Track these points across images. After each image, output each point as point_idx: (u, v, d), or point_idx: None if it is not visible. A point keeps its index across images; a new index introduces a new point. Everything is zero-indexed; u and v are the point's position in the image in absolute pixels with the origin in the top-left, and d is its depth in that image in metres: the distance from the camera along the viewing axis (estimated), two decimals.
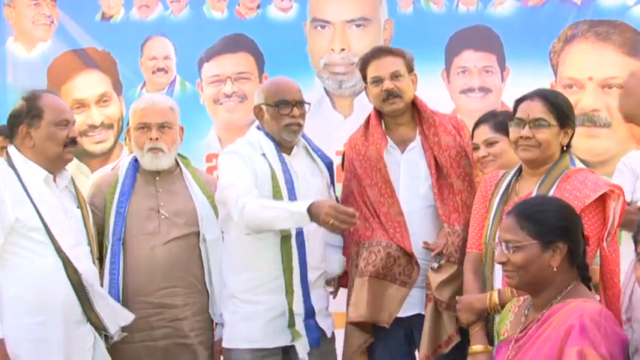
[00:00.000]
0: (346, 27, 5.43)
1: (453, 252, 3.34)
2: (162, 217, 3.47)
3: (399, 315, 3.42)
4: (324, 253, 3.51)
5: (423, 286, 3.42)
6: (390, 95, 3.46)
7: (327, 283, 3.61)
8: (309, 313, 3.36)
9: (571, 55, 5.24)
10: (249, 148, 3.41)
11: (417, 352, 3.46)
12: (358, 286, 3.40)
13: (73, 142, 3.31)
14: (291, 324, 3.32)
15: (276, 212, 3.19)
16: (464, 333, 3.33)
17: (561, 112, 2.99)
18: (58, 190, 3.29)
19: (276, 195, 3.32)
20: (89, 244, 3.31)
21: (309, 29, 5.47)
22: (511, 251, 2.55)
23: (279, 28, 5.49)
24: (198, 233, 3.48)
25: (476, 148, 3.46)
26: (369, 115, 3.61)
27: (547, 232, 2.52)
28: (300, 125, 3.45)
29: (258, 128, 3.49)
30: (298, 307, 3.33)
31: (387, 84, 3.45)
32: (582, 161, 4.84)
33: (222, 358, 3.56)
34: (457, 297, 3.11)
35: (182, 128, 3.62)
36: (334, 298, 3.67)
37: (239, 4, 5.54)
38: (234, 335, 3.39)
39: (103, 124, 5.60)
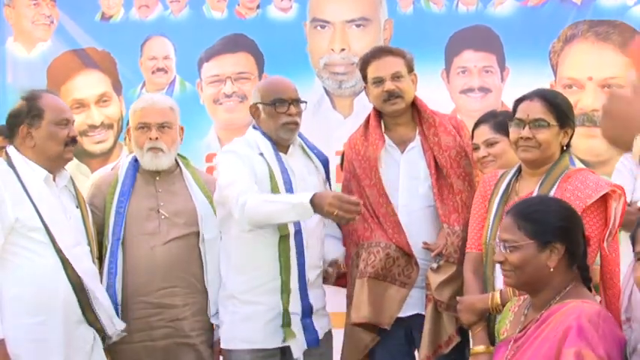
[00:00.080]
0: (346, 27, 5.43)
1: (452, 252, 3.34)
2: (162, 217, 3.47)
3: (399, 315, 3.41)
4: (322, 252, 3.51)
5: (423, 286, 3.41)
6: (391, 96, 3.46)
7: (324, 281, 3.60)
8: (307, 312, 3.36)
9: (571, 55, 5.25)
10: (246, 147, 3.41)
11: (416, 352, 3.46)
12: (358, 288, 3.40)
13: (73, 141, 3.31)
14: (285, 323, 3.31)
15: (279, 205, 3.18)
16: (464, 333, 3.34)
17: (561, 112, 2.98)
18: (57, 190, 3.29)
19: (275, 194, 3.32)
20: (89, 244, 3.31)
21: (309, 29, 5.47)
22: (508, 251, 2.55)
23: (279, 28, 5.49)
24: (198, 233, 3.48)
25: (476, 148, 3.46)
26: (369, 115, 3.61)
27: (544, 232, 2.52)
28: (297, 124, 3.44)
29: (255, 128, 3.48)
30: (296, 307, 3.32)
31: (389, 85, 3.45)
32: (582, 161, 4.84)
33: (221, 358, 3.55)
34: (458, 297, 3.10)
35: (182, 128, 3.62)
36: (332, 283, 3.64)
37: (239, 4, 5.54)
38: (234, 336, 3.38)
39: (102, 124, 5.61)
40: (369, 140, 3.52)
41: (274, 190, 3.32)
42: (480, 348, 2.93)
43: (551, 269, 2.51)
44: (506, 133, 3.14)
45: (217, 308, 3.48)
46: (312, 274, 3.41)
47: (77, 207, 3.34)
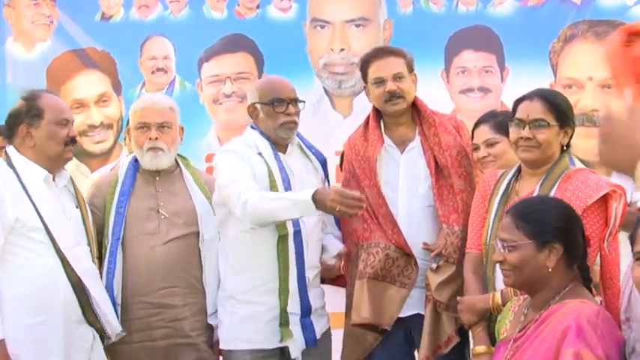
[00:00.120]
0: (346, 27, 5.44)
1: (451, 252, 3.34)
2: (162, 217, 3.46)
3: (399, 315, 3.41)
4: (320, 252, 3.50)
5: (423, 286, 3.41)
6: (393, 96, 3.46)
7: (322, 281, 3.60)
8: (306, 312, 3.36)
9: (570, 55, 5.25)
10: (245, 147, 3.41)
11: (416, 353, 3.46)
12: (358, 288, 3.40)
13: (72, 141, 3.31)
14: (283, 323, 3.31)
15: (280, 202, 3.18)
16: (463, 333, 3.34)
17: (561, 112, 2.99)
18: (57, 190, 3.29)
19: None
20: (89, 244, 3.31)
21: (308, 29, 5.47)
22: (507, 250, 2.55)
23: (278, 28, 5.49)
24: (197, 233, 3.48)
25: (476, 148, 3.46)
26: (368, 116, 3.60)
27: (543, 232, 2.52)
28: (295, 123, 3.44)
29: (253, 127, 3.48)
30: (295, 307, 3.32)
31: (390, 85, 3.45)
32: (582, 161, 4.84)
33: (220, 358, 3.56)
34: (458, 298, 3.10)
35: (182, 128, 3.62)
36: (335, 275, 3.63)
37: (238, 4, 5.54)
38: (234, 336, 3.38)
39: (102, 124, 5.60)
40: (369, 140, 3.52)
41: (273, 189, 3.32)
42: (481, 348, 2.93)
43: (550, 269, 2.51)
44: (507, 134, 3.13)
45: (215, 308, 3.47)
46: (311, 273, 3.41)
47: (77, 207, 3.35)
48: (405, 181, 3.49)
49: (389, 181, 3.48)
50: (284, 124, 3.40)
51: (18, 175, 3.19)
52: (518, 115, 3.01)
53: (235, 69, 5.51)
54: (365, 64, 3.53)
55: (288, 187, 3.34)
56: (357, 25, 5.44)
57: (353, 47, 5.38)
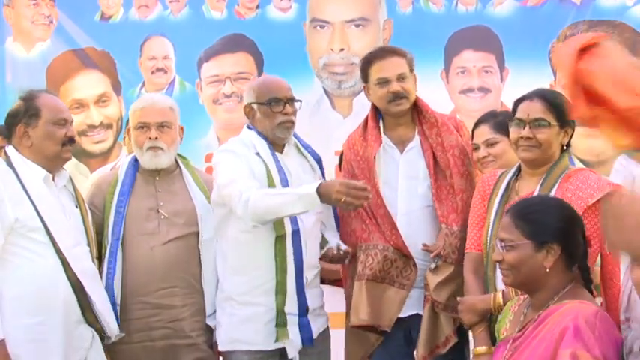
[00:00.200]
0: (345, 27, 5.44)
1: (450, 253, 3.33)
2: (162, 217, 3.46)
3: (398, 315, 3.41)
4: (318, 252, 3.49)
5: (422, 286, 3.41)
6: (397, 97, 3.45)
7: (322, 281, 3.60)
8: (303, 312, 3.35)
9: None
10: (243, 147, 3.40)
11: (415, 353, 3.46)
12: (357, 290, 3.39)
13: (71, 141, 3.31)
14: (279, 323, 3.30)
15: (284, 198, 3.18)
16: (462, 333, 3.34)
17: (561, 111, 2.98)
18: (56, 190, 3.29)
19: None
20: (88, 243, 3.31)
21: (308, 29, 5.47)
22: (505, 250, 2.55)
23: (278, 28, 5.49)
24: (197, 233, 3.47)
25: (476, 148, 3.46)
26: (368, 115, 3.60)
27: (541, 232, 2.52)
28: (292, 122, 3.43)
29: (249, 128, 3.47)
30: (292, 307, 3.31)
31: (395, 86, 3.44)
32: (582, 161, 4.85)
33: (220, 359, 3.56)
34: (459, 298, 3.10)
35: (182, 128, 3.62)
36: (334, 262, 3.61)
37: (238, 4, 5.54)
38: (233, 337, 3.37)
39: (102, 124, 5.61)
40: (368, 141, 3.51)
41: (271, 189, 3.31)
42: (482, 349, 2.92)
43: (547, 269, 2.51)
44: (507, 134, 3.13)
45: (214, 309, 3.47)
46: (310, 273, 3.40)
47: (77, 207, 3.34)
48: (405, 181, 3.48)
49: (388, 181, 3.48)
50: (281, 124, 3.40)
51: (18, 175, 3.19)
52: (518, 115, 3.01)
53: (235, 69, 5.51)
54: (367, 64, 3.52)
55: (286, 187, 3.33)
56: (357, 25, 5.44)
57: (353, 47, 5.39)
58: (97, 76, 5.59)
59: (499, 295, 2.93)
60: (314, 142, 3.67)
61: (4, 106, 3.63)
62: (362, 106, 4.47)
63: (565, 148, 3.05)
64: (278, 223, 3.28)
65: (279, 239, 3.29)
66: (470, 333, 3.20)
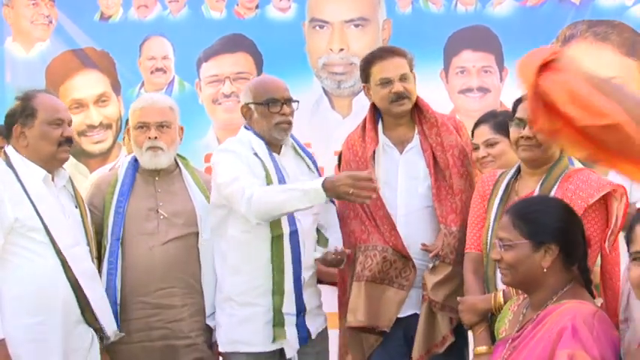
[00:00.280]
0: (345, 27, 5.44)
1: (448, 253, 3.33)
2: (161, 217, 3.46)
3: (398, 316, 3.41)
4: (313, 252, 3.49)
5: (421, 286, 3.41)
6: (400, 97, 3.45)
7: (320, 282, 3.60)
8: (301, 312, 3.35)
9: None
10: (241, 147, 3.40)
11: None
12: (355, 291, 3.39)
13: (67, 141, 3.30)
14: (277, 324, 3.30)
15: (288, 194, 3.17)
16: (458, 333, 3.34)
17: None
18: (56, 190, 3.29)
19: None
20: (88, 243, 3.31)
21: (307, 29, 5.47)
22: (504, 249, 2.55)
23: (277, 28, 5.49)
24: (196, 234, 3.47)
25: (476, 148, 3.46)
26: (366, 116, 3.60)
27: (539, 232, 2.52)
28: (290, 123, 3.43)
29: (247, 128, 3.47)
30: (290, 307, 3.31)
31: (398, 86, 3.43)
32: (582, 161, 4.84)
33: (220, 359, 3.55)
34: (459, 298, 3.09)
35: (182, 128, 3.62)
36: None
37: (238, 4, 5.54)
38: (233, 339, 3.36)
39: (101, 124, 5.61)
40: (367, 141, 3.51)
41: None
42: (483, 349, 2.92)
43: (545, 269, 2.51)
44: (507, 134, 3.13)
45: (213, 309, 3.46)
46: (307, 274, 3.39)
47: (76, 207, 3.34)
48: (405, 181, 3.48)
49: (388, 181, 3.48)
50: (279, 125, 3.39)
51: (17, 175, 3.19)
52: (518, 114, 3.01)
53: (234, 69, 5.51)
54: (368, 65, 3.51)
55: None
56: (356, 25, 5.44)
57: (352, 47, 5.39)
58: (97, 76, 5.59)
59: (500, 295, 2.93)
60: (313, 142, 3.68)
61: (3, 106, 3.63)
62: (361, 106, 4.47)
63: None
64: (276, 224, 3.28)
65: (277, 240, 3.29)
66: (470, 334, 3.20)
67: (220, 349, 3.44)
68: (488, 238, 3.02)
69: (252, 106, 3.44)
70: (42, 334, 3.12)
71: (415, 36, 5.22)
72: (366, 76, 3.52)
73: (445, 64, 5.37)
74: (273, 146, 3.43)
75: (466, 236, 3.20)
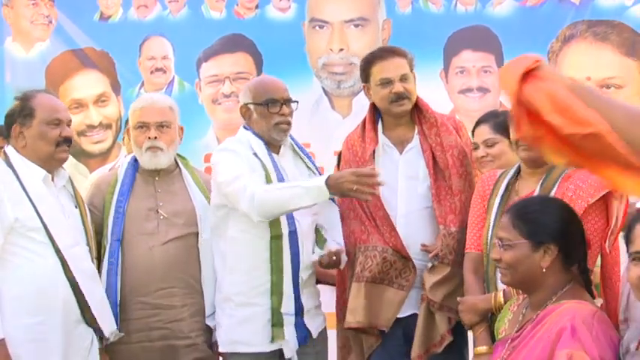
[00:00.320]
0: (345, 27, 5.44)
1: (447, 254, 3.33)
2: (161, 217, 3.46)
3: (397, 316, 3.41)
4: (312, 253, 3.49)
5: (420, 286, 3.41)
6: (400, 98, 3.44)
7: (318, 282, 3.60)
8: (299, 312, 3.35)
9: (569, 55, 5.25)
10: (241, 146, 3.40)
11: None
12: (355, 292, 3.39)
13: (66, 141, 3.29)
14: (276, 324, 3.29)
15: (291, 191, 3.17)
16: (457, 333, 3.34)
17: None
18: (56, 190, 3.29)
19: None
20: (88, 244, 3.31)
21: (307, 29, 5.47)
22: (503, 249, 2.55)
23: (277, 28, 5.50)
24: (196, 234, 3.47)
25: (475, 147, 3.46)
26: (366, 116, 3.60)
27: (538, 232, 2.52)
28: (289, 124, 3.43)
29: (246, 128, 3.46)
30: (289, 307, 3.31)
31: (398, 87, 3.43)
32: None
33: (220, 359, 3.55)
34: (459, 298, 3.10)
35: (182, 128, 3.62)
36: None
37: (237, 4, 5.54)
38: (233, 339, 3.36)
39: (101, 124, 5.61)
40: (367, 141, 3.51)
41: None
42: (483, 349, 2.92)
43: (544, 270, 2.51)
44: (507, 134, 3.14)
45: (213, 309, 3.46)
46: (305, 274, 3.39)
47: (76, 207, 3.34)
48: (405, 181, 3.48)
49: (388, 181, 3.45)
50: (278, 125, 3.39)
51: (17, 175, 3.19)
52: None
53: (234, 69, 5.51)
54: (368, 65, 3.51)
55: None
56: (356, 25, 5.44)
57: (352, 47, 5.39)
58: (96, 76, 5.59)
59: (500, 295, 2.93)
60: (313, 142, 3.68)
61: (3, 106, 3.63)
62: (361, 106, 4.47)
63: None
64: (275, 224, 3.27)
65: (276, 240, 3.28)
66: (470, 333, 3.20)
67: (220, 350, 3.43)
68: (489, 238, 3.02)
69: (252, 107, 3.44)
70: (42, 334, 3.12)
71: (415, 36, 5.22)
72: (366, 76, 3.52)
73: (445, 64, 5.37)
74: (272, 146, 3.43)
75: (466, 236, 3.20)
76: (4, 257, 3.13)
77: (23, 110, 3.26)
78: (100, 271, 3.36)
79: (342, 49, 5.41)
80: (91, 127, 5.59)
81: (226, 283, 3.38)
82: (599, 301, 2.74)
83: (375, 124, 3.53)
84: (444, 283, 3.31)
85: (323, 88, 5.45)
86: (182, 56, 5.55)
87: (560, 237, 2.52)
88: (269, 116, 3.39)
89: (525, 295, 2.65)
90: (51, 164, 3.28)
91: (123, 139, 4.73)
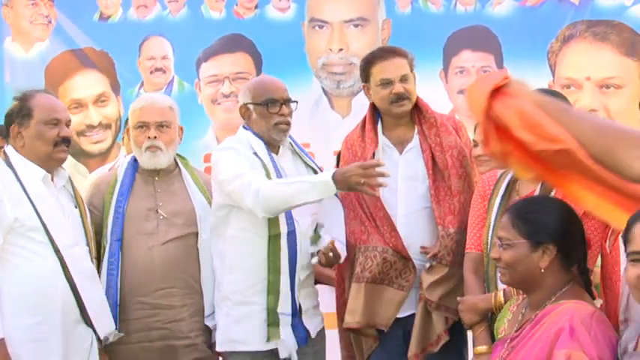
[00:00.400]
0: (344, 27, 5.44)
1: (445, 255, 3.33)
2: (161, 217, 3.46)
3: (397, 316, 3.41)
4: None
5: (418, 286, 3.41)
6: (400, 98, 3.44)
7: (316, 281, 3.60)
8: (296, 312, 3.35)
9: (569, 55, 5.26)
10: (241, 145, 3.40)
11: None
12: (355, 292, 3.38)
13: (65, 141, 3.29)
14: (272, 323, 3.29)
15: (297, 186, 3.16)
16: (456, 332, 3.34)
17: None
18: (55, 190, 3.29)
19: None
20: (87, 244, 3.31)
21: (307, 29, 5.47)
22: (502, 248, 2.55)
23: (277, 28, 5.50)
24: (196, 234, 3.47)
25: (475, 145, 3.46)
26: (365, 116, 3.59)
27: (537, 232, 2.52)
28: (288, 124, 3.43)
29: (245, 128, 3.46)
30: (286, 307, 3.30)
31: (398, 87, 3.43)
32: None
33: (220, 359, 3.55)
34: (459, 298, 3.10)
35: (181, 128, 3.62)
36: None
37: (237, 4, 5.54)
38: (231, 338, 3.36)
39: (100, 124, 5.61)
40: (366, 141, 3.51)
41: None
42: (483, 348, 2.92)
43: (543, 270, 2.51)
44: None
45: (213, 309, 3.46)
46: (303, 274, 3.39)
47: (76, 207, 3.34)
48: (404, 181, 3.47)
49: (388, 181, 3.47)
50: (277, 125, 3.39)
51: (17, 175, 3.19)
52: None
53: (234, 69, 5.51)
54: (368, 65, 3.50)
55: None
56: (356, 25, 5.45)
57: (351, 47, 5.39)
58: (96, 76, 5.59)
59: (500, 295, 2.93)
60: (313, 142, 3.68)
61: (3, 106, 3.64)
62: (361, 106, 4.47)
63: None
64: (274, 223, 3.27)
65: (274, 239, 3.28)
66: (469, 333, 3.20)
67: (218, 349, 3.43)
68: (489, 238, 3.02)
69: (251, 107, 3.44)
70: (42, 334, 3.13)
71: (415, 36, 5.22)
72: (366, 76, 3.52)
73: (444, 64, 5.38)
74: (272, 147, 3.43)
75: (466, 236, 3.20)
76: (4, 257, 3.13)
77: (21, 110, 3.26)
78: (99, 271, 3.36)
79: (341, 49, 5.42)
80: (91, 127, 5.59)
81: (225, 282, 3.38)
82: (599, 302, 2.74)
83: (375, 125, 3.53)
84: (442, 283, 3.31)
85: (322, 88, 5.45)
86: (182, 56, 5.55)
87: (559, 237, 2.52)
88: (268, 116, 3.39)
89: (525, 295, 2.65)
90: (49, 164, 3.28)
91: (122, 139, 4.73)
